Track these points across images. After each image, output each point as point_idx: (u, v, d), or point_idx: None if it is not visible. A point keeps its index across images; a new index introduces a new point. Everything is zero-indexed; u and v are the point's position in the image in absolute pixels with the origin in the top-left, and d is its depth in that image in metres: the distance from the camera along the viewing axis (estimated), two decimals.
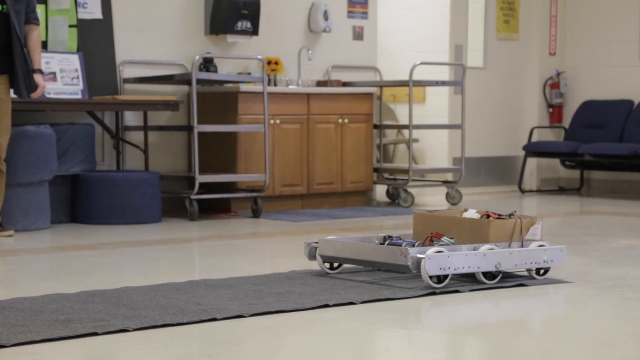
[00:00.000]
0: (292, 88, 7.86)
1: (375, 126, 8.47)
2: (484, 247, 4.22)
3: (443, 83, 8.54)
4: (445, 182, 8.67)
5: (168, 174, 7.37)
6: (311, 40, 8.44)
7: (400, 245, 4.35)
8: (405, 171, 8.27)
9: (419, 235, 4.56)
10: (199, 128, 7.08)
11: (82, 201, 6.77)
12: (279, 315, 3.60)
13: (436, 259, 4.06)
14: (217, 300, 3.84)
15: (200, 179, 7.04)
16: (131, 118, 7.48)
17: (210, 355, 3.02)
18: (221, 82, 7.62)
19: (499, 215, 4.49)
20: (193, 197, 7.03)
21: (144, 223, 6.75)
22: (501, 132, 10.17)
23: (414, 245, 4.37)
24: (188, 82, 7.27)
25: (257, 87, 7.51)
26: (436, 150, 9.84)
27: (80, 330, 3.25)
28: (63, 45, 7.04)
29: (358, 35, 8.71)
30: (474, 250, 4.21)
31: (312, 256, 4.52)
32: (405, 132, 9.88)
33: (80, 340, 3.16)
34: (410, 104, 8.17)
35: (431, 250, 4.10)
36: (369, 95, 8.26)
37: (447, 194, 8.45)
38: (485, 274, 4.23)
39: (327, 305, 3.77)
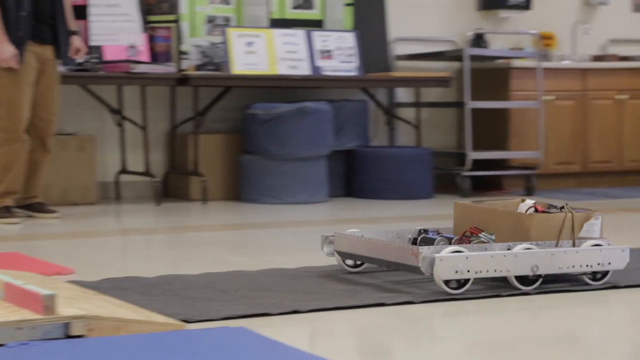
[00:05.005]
0: (566, 63, 7.64)
1: None
2: (519, 247, 3.50)
3: None
4: None
5: (439, 150, 7.37)
6: (587, 13, 8.17)
7: (434, 242, 3.70)
8: None
9: (460, 229, 3.82)
10: (471, 104, 7.02)
11: (356, 176, 6.90)
12: None
13: (451, 261, 3.36)
14: None
15: (472, 155, 6.99)
16: (403, 94, 7.53)
17: None
18: (492, 58, 7.53)
19: (550, 207, 3.75)
20: (464, 173, 7.00)
21: (415, 199, 6.79)
22: None
23: (450, 242, 3.67)
24: (459, 59, 7.23)
25: (530, 63, 7.36)
26: None
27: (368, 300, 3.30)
28: (338, 23, 7.18)
29: (638, 7, 8.34)
30: (508, 249, 3.49)
31: (329, 252, 3.88)
32: None
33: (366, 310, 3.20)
34: None
35: (447, 249, 3.42)
36: None
37: None
38: (521, 278, 3.49)
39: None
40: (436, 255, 3.35)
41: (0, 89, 5.39)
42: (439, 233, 3.79)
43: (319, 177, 6.56)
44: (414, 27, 7.58)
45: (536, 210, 3.71)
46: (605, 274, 3.61)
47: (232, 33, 6.68)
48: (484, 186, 7.46)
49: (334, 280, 3.65)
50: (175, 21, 6.70)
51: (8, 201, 5.47)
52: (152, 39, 6.68)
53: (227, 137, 6.78)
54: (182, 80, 6.44)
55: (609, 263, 3.58)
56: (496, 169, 7.31)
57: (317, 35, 6.98)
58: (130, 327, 2.79)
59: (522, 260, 3.44)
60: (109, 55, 6.44)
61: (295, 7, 7.09)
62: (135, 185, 6.77)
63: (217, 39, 6.79)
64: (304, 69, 6.85)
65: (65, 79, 5.99)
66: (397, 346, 2.82)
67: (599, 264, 3.57)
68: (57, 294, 2.75)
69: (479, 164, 7.23)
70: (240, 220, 5.91)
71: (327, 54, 6.98)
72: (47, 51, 5.53)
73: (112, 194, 6.71)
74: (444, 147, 7.64)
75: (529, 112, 7.37)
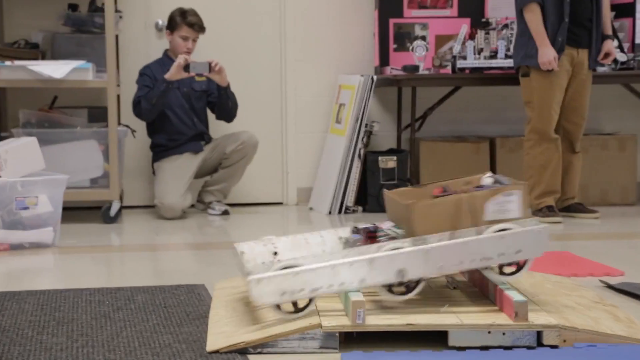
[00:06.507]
0: None
1: None
2: (387, 247, 2.81)
3: None
4: None
5: None
6: None
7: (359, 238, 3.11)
8: None
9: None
10: None
11: None
12: None
13: (272, 282, 2.73)
14: None
15: None
16: None
17: None
18: None
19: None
20: None
21: None
22: None
23: (374, 236, 3.05)
24: None
25: None
26: None
27: None
28: None
29: None
30: (377, 251, 2.81)
31: None
32: None
33: None
34: None
35: (276, 266, 2.79)
36: None
37: None
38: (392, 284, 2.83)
39: None
40: (250, 278, 2.76)
41: (533, 91, 5.51)
42: (375, 229, 3.12)
43: None
44: None
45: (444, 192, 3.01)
46: (520, 266, 2.89)
47: None
48: None
49: None
50: None
51: (550, 200, 5.57)
52: None
53: None
54: None
55: (519, 251, 2.83)
56: None
57: None
58: (609, 341, 2.69)
59: (381, 266, 2.78)
60: None
61: None
62: None
63: None
64: None
65: (607, 78, 5.95)
66: None
67: (500, 254, 2.81)
68: (529, 301, 2.73)
69: None
70: None
71: None
72: (582, 55, 5.53)
73: None
74: None
75: None
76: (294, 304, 2.81)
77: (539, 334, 2.69)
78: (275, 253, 3.15)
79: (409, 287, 2.85)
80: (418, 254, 2.80)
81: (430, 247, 2.80)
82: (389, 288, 2.83)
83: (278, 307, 2.79)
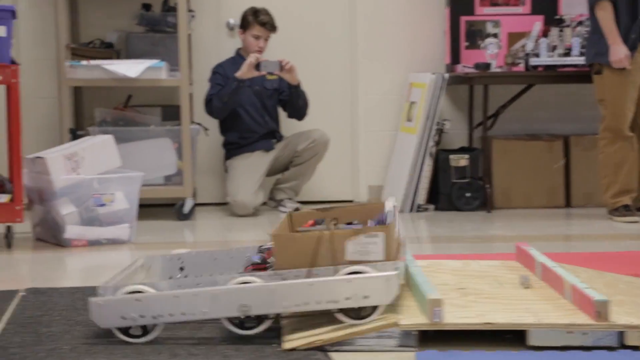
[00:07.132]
0: None
1: None
2: (236, 280, 2.81)
3: None
4: None
5: None
6: None
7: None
8: None
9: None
10: None
11: None
12: None
13: (114, 306, 2.80)
14: None
15: None
16: None
17: None
18: None
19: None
20: None
21: None
22: None
23: (262, 268, 2.99)
24: None
25: None
26: None
27: None
28: None
29: None
30: (226, 283, 2.80)
31: None
32: None
33: None
34: None
35: (123, 290, 2.82)
36: None
37: None
38: (236, 319, 2.82)
39: None
40: (92, 300, 2.82)
41: (605, 89, 5.44)
42: (256, 262, 3.07)
43: None
44: None
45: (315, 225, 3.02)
46: (373, 308, 2.77)
47: None
48: None
49: None
50: None
51: (626, 200, 5.49)
52: None
53: None
54: None
55: (367, 297, 2.73)
56: None
57: None
58: None
59: (224, 300, 2.76)
60: None
61: None
62: None
63: None
64: None
65: None
66: None
67: (347, 298, 2.73)
68: (611, 300, 2.68)
69: None
70: None
71: None
72: None
73: None
74: None
75: None
76: (143, 327, 2.82)
77: (620, 334, 2.66)
78: (182, 269, 3.19)
79: (259, 321, 2.82)
80: (262, 291, 2.77)
81: (275, 285, 2.76)
82: (238, 322, 2.82)
83: (126, 330, 2.82)
